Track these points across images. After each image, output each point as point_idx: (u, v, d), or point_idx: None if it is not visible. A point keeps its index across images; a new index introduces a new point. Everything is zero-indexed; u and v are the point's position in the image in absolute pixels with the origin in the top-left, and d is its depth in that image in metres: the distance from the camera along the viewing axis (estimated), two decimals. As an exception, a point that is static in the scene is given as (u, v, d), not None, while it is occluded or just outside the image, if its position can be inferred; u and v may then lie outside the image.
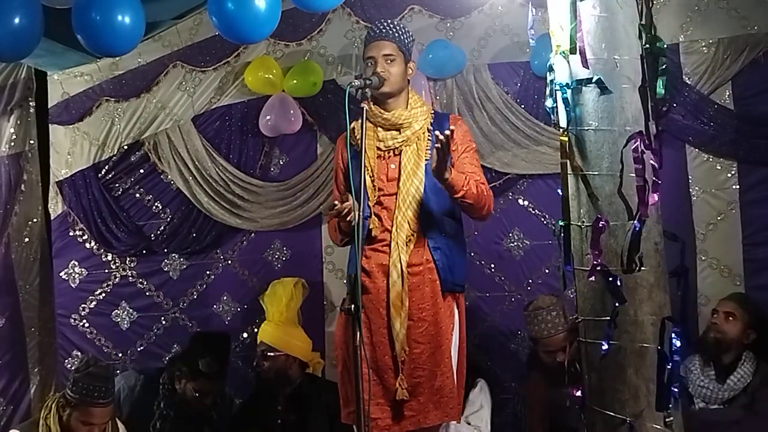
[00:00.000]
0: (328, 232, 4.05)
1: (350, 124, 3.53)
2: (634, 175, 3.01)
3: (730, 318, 4.29)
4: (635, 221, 2.98)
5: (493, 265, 5.05)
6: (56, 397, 4.28)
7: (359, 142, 3.64)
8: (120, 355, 5.42)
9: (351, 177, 3.42)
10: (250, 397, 4.85)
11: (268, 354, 4.65)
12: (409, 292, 3.67)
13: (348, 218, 3.58)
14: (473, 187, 3.66)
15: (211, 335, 4.92)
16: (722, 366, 4.29)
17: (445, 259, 3.74)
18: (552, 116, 3.26)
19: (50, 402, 4.27)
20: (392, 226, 3.71)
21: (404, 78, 3.82)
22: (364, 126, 3.57)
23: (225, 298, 5.39)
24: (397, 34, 3.80)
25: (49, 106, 5.53)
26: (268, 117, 5.15)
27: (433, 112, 3.93)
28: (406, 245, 3.70)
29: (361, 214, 3.46)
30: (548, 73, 3.21)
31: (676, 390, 3.01)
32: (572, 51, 3.06)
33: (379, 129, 3.82)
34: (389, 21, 3.88)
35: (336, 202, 3.60)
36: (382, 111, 3.80)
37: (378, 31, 3.83)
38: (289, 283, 4.89)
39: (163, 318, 5.40)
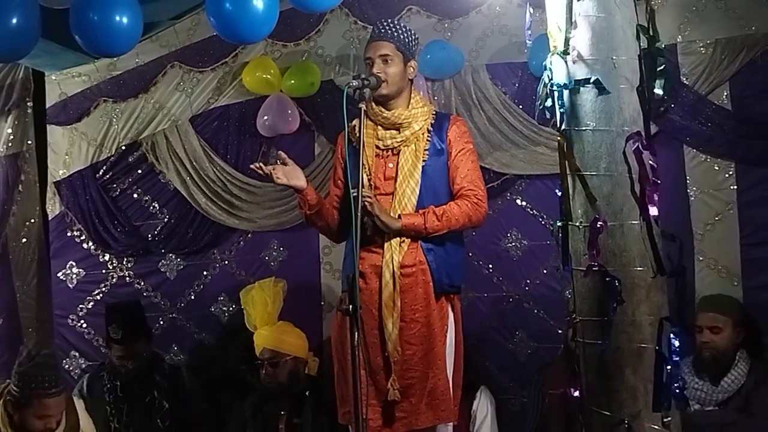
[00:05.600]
0: None
1: (351, 122, 3.54)
2: (634, 176, 3.02)
3: (716, 330, 4.25)
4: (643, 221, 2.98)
5: (491, 266, 5.04)
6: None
7: (358, 140, 3.64)
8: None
9: (349, 175, 3.42)
10: (253, 400, 4.82)
11: (277, 360, 4.64)
12: (402, 293, 3.67)
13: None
14: (434, 220, 3.67)
15: (115, 305, 5.11)
16: (717, 368, 4.28)
17: (440, 261, 3.73)
18: (546, 115, 3.26)
19: None
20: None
21: (403, 78, 3.82)
22: (362, 126, 3.58)
23: (222, 298, 5.39)
24: (395, 34, 3.79)
25: (47, 106, 5.53)
26: (265, 117, 5.15)
27: (434, 112, 3.93)
28: (400, 246, 3.70)
29: (359, 213, 3.45)
30: (544, 72, 3.21)
31: (677, 390, 3.01)
32: (565, 52, 3.07)
33: (379, 128, 3.83)
34: (389, 21, 3.88)
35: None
36: (383, 110, 3.80)
37: (377, 32, 3.83)
38: (267, 284, 4.89)
39: (160, 318, 5.39)
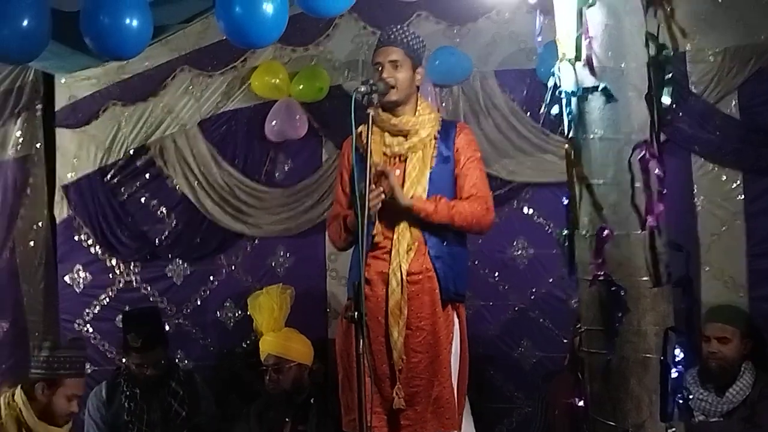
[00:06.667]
0: (329, 234, 4.04)
1: (357, 128, 3.53)
2: (640, 185, 3.00)
3: (725, 340, 4.25)
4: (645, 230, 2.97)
5: (497, 274, 5.04)
6: (12, 391, 4.12)
7: (365, 146, 3.64)
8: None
9: (356, 182, 3.41)
10: (258, 407, 4.82)
11: (281, 366, 4.64)
12: (408, 300, 3.66)
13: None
14: (445, 208, 3.66)
15: (133, 312, 5.13)
16: (723, 379, 4.26)
17: (447, 269, 3.72)
18: (552, 122, 3.25)
19: (7, 397, 4.10)
20: (394, 234, 3.71)
21: (411, 84, 3.80)
22: (369, 132, 3.56)
23: (228, 304, 5.39)
24: (405, 40, 3.79)
25: (56, 109, 5.52)
26: (273, 122, 5.15)
27: (440, 119, 3.92)
28: (407, 253, 3.68)
29: (365, 220, 3.44)
30: (551, 78, 3.20)
31: (681, 401, 2.99)
32: (577, 58, 3.05)
33: (386, 134, 3.82)
34: (398, 26, 3.87)
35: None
36: (390, 117, 3.80)
37: (386, 37, 3.82)
38: (274, 290, 4.88)
39: (166, 324, 5.37)
